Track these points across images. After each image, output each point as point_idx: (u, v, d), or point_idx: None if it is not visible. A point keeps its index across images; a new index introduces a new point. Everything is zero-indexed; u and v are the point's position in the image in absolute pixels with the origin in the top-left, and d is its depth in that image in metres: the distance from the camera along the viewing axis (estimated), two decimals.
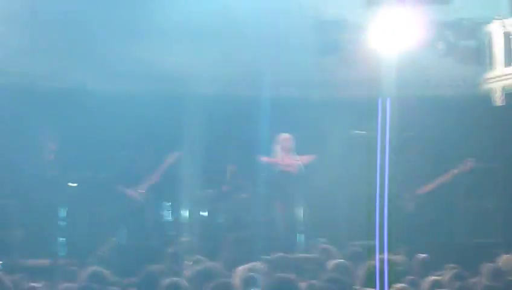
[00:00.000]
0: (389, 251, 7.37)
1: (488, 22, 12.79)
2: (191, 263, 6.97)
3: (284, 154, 11.15)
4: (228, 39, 12.16)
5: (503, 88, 12.74)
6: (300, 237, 10.93)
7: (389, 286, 5.93)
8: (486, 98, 13.01)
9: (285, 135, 11.24)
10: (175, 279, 5.73)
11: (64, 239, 10.88)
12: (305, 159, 11.20)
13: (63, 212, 10.99)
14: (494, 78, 12.90)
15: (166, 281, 5.66)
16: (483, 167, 11.86)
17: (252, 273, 6.33)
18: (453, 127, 12.32)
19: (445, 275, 6.88)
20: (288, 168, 11.12)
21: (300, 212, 11.28)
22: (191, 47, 12.01)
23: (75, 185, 11.27)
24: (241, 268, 6.76)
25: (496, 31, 12.72)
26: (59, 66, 11.91)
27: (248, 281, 6.13)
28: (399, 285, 6.11)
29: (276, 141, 11.28)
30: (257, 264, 7.08)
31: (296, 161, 10.91)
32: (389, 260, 6.55)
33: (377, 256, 6.27)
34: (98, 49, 11.96)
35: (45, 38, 11.61)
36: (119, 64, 12.10)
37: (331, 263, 6.79)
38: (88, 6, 11.78)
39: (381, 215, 7.47)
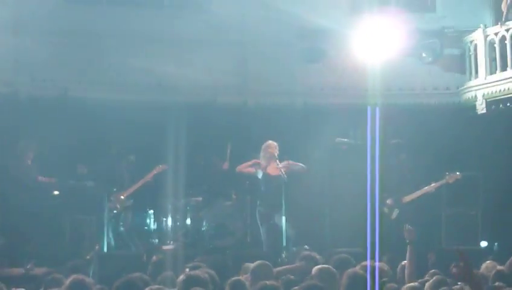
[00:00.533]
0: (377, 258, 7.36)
1: (471, 30, 12.88)
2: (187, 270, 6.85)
3: (268, 161, 11.06)
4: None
5: (485, 96, 12.82)
6: (285, 244, 10.88)
7: None
8: (468, 106, 13.08)
9: (269, 142, 11.15)
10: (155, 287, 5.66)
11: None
12: (292, 165, 11.10)
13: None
14: (476, 86, 12.98)
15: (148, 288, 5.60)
16: (463, 176, 11.90)
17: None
18: (436, 134, 12.35)
19: (426, 281, 6.85)
20: (272, 175, 11.04)
21: (284, 220, 11.23)
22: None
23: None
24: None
25: (479, 39, 12.80)
26: None
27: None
28: None
29: (261, 148, 11.20)
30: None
31: (281, 168, 10.83)
32: (375, 267, 6.50)
33: (368, 262, 6.21)
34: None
35: None
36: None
37: (315, 269, 6.73)
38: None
39: (373, 223, 7.47)
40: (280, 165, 10.77)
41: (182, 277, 6.08)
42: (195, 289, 5.52)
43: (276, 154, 10.91)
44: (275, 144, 11.05)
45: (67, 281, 5.96)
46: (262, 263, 7.32)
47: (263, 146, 11.14)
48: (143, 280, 5.98)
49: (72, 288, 5.70)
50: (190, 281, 5.84)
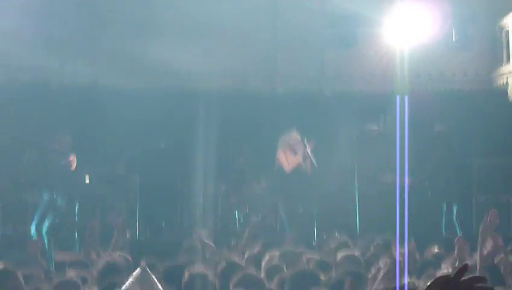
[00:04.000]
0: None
1: (503, 15, 12.79)
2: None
3: (289, 154, 10.98)
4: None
5: None
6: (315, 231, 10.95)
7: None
8: (499, 92, 13.01)
9: (294, 136, 11.05)
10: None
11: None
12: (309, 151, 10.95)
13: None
14: (508, 72, 12.89)
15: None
16: (494, 162, 11.85)
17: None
18: (465, 120, 12.29)
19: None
20: (292, 167, 10.94)
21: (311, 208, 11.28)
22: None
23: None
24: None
25: (511, 25, 12.70)
26: None
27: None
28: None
29: (281, 140, 11.12)
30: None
31: (300, 161, 10.77)
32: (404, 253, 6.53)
33: (398, 249, 6.23)
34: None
35: None
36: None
37: (342, 255, 6.79)
38: None
39: (402, 209, 7.49)
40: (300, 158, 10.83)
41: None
42: None
43: (297, 147, 10.92)
44: (298, 138, 11.01)
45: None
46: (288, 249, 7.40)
47: (286, 138, 11.10)
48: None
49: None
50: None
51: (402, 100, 10.04)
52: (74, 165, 10.70)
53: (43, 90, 11.67)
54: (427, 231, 10.57)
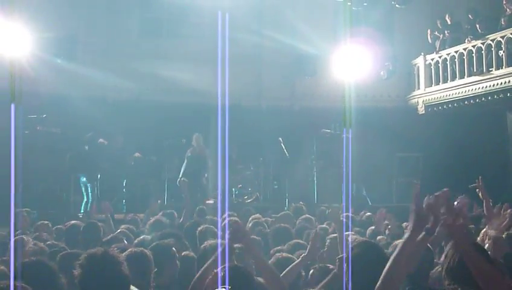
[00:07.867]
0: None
1: (415, 56, 12.85)
2: None
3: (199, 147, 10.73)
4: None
5: (424, 102, 12.81)
6: (286, 201, 10.92)
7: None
8: (412, 108, 13.06)
9: (197, 135, 10.75)
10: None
11: None
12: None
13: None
14: (418, 94, 12.96)
15: None
16: (408, 156, 11.89)
17: None
18: (389, 126, 12.34)
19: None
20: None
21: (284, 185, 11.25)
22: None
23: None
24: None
25: (420, 62, 12.78)
26: None
27: None
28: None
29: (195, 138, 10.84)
30: None
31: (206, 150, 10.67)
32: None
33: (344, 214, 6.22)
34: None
35: None
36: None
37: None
38: None
39: (347, 187, 7.47)
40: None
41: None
42: None
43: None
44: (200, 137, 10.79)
45: None
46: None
47: (196, 137, 10.87)
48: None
49: None
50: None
51: (346, 112, 10.00)
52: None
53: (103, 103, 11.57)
54: (361, 202, 10.59)
